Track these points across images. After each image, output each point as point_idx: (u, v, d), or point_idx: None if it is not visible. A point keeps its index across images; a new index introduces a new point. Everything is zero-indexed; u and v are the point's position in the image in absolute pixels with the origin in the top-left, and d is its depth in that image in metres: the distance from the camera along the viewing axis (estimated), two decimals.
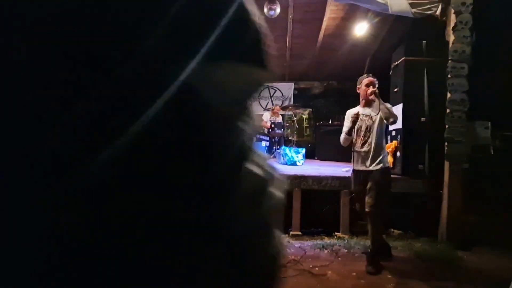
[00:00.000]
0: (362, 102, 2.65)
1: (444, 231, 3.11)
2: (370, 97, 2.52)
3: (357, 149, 2.62)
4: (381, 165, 2.51)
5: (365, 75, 2.67)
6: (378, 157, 2.52)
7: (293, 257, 2.67)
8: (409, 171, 3.39)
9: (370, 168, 2.52)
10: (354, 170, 2.67)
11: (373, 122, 2.57)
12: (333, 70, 7.18)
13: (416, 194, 3.35)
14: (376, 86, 2.57)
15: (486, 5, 3.55)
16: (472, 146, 7.88)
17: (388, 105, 2.59)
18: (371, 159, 2.52)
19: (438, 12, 3.36)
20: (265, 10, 4.66)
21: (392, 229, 3.31)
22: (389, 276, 2.35)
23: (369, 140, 2.56)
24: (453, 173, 3.14)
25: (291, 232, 3.30)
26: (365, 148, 2.57)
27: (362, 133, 2.59)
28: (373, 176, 2.50)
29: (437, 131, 3.20)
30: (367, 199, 2.46)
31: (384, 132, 2.65)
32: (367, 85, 2.56)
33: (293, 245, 2.99)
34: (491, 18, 3.86)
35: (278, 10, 4.69)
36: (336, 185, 3.40)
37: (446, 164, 3.16)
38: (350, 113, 2.69)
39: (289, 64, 7.06)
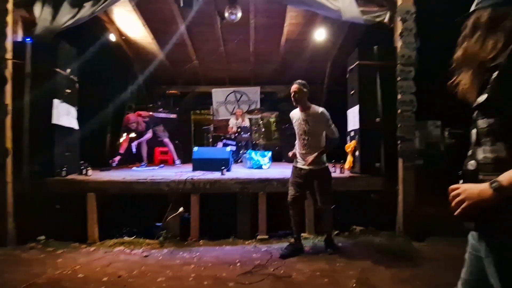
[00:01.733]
0: (299, 107, 2.85)
1: (401, 225, 3.30)
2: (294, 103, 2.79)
3: (298, 151, 2.83)
4: (320, 165, 2.76)
5: (295, 82, 2.81)
6: (318, 158, 2.72)
7: (259, 261, 2.65)
8: (367, 169, 3.55)
9: (312, 167, 2.74)
10: (295, 167, 2.87)
11: (309, 125, 2.75)
12: (297, 74, 7.31)
13: (375, 191, 3.52)
14: (305, 90, 2.77)
15: (429, 13, 3.87)
16: (426, 144, 8.51)
17: (325, 115, 2.75)
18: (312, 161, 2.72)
19: (386, 20, 3.60)
20: (226, 14, 4.66)
21: (354, 226, 3.43)
22: (351, 272, 2.43)
23: (307, 143, 2.76)
24: (407, 169, 3.34)
25: (258, 237, 3.29)
26: (304, 151, 2.78)
27: (302, 137, 2.81)
28: (315, 176, 2.75)
29: (391, 131, 3.40)
30: (319, 197, 2.79)
31: (321, 134, 2.81)
32: (292, 95, 2.78)
33: (259, 249, 2.99)
34: (433, 25, 4.23)
35: (239, 14, 4.71)
36: None
37: (400, 161, 3.37)
38: (291, 116, 2.94)
39: (254, 69, 7.13)
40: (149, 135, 5.41)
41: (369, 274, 2.40)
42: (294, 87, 2.76)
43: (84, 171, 3.66)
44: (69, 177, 3.53)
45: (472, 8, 0.96)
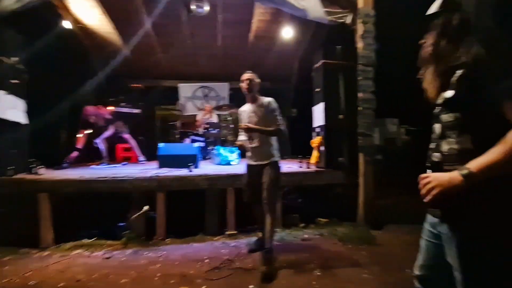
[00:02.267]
0: (248, 98, 2.70)
1: (361, 215, 3.52)
2: (245, 93, 2.64)
3: (249, 145, 2.69)
4: (269, 159, 2.58)
5: (246, 72, 2.69)
6: (266, 152, 2.60)
7: (227, 257, 2.66)
8: (331, 164, 3.72)
9: (260, 162, 2.60)
10: (248, 165, 2.73)
11: (258, 117, 2.60)
12: (266, 71, 7.36)
13: (338, 185, 3.71)
14: (257, 81, 2.65)
15: (387, 17, 4.13)
16: (384, 140, 9.11)
17: (273, 105, 2.61)
18: (259, 155, 2.61)
19: (349, 21, 3.78)
20: (193, 7, 4.54)
21: (319, 218, 3.59)
22: (316, 262, 2.54)
23: (256, 136, 2.62)
24: (367, 164, 3.56)
25: (226, 232, 3.29)
26: (254, 144, 2.63)
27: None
28: (264, 170, 2.57)
29: (353, 127, 3.59)
30: (262, 194, 2.50)
31: (271, 127, 2.61)
32: (243, 84, 2.63)
33: (228, 245, 2.99)
34: (391, 28, 4.53)
35: (206, 8, 4.62)
36: None
37: (361, 156, 3.58)
38: (240, 111, 2.80)
39: (222, 64, 7.05)
40: (111, 131, 5.10)
41: (332, 262, 2.53)
42: (248, 75, 2.62)
43: (34, 170, 3.35)
44: (17, 176, 3.21)
45: (435, 9, 1.03)
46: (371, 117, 3.56)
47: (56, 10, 4.68)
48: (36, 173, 3.33)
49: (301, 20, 4.92)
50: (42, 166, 3.42)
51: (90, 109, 4.95)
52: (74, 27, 5.21)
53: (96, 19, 5.13)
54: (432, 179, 0.90)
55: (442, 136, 0.98)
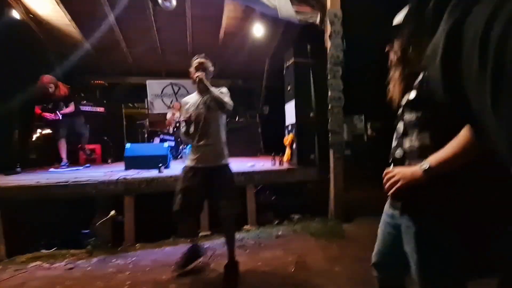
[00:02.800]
0: (197, 88, 2.26)
1: (332, 210, 3.64)
2: (197, 83, 2.16)
3: (195, 143, 2.20)
4: (221, 161, 2.18)
5: (197, 55, 2.28)
6: (217, 152, 2.19)
7: (201, 259, 2.60)
8: (303, 161, 3.80)
9: (208, 165, 2.15)
10: (190, 167, 2.19)
11: (210, 109, 2.18)
12: (237, 69, 7.38)
13: (311, 181, 3.80)
14: (211, 69, 2.28)
15: (353, 18, 4.29)
16: (352, 136, 9.50)
17: (223, 90, 2.27)
18: (208, 155, 2.16)
19: (318, 22, 3.86)
20: (160, 0, 4.34)
21: (292, 215, 3.65)
22: (290, 258, 2.58)
23: (206, 132, 2.17)
24: (337, 160, 3.69)
25: (200, 233, 3.22)
26: (203, 142, 2.17)
27: (200, 124, 2.17)
28: (214, 175, 2.14)
29: (323, 124, 3.69)
30: (222, 202, 2.11)
31: (223, 124, 2.29)
32: (196, 68, 2.19)
33: (202, 247, 2.93)
34: (358, 29, 4.72)
35: (174, 2, 4.43)
36: (242, 180, 3.50)
37: (331, 152, 3.69)
38: (184, 102, 2.31)
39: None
40: (71, 107, 4.57)
41: (306, 258, 2.59)
42: (201, 60, 2.21)
43: None
44: None
45: (399, 21, 1.10)
46: (340, 115, 3.68)
47: None
48: None
49: (272, 19, 4.94)
50: None
51: (48, 77, 4.40)
52: (25, 18, 4.73)
53: (50, 10, 4.70)
54: (396, 173, 0.98)
55: (404, 134, 1.06)
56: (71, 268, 2.51)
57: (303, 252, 2.72)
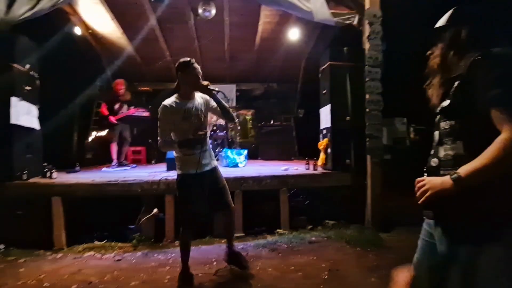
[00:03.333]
0: (188, 92, 2.21)
1: (369, 217, 3.49)
2: (203, 90, 2.17)
3: (186, 152, 2.17)
4: (213, 163, 2.31)
5: (188, 58, 2.24)
6: (211, 153, 2.32)
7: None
8: (338, 166, 3.71)
9: (212, 166, 2.27)
10: (191, 175, 2.15)
11: (204, 113, 2.25)
12: (272, 72, 7.45)
13: (346, 186, 3.69)
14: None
15: (394, 17, 4.10)
16: (393, 139, 9.00)
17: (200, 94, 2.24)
18: (208, 157, 2.26)
19: (355, 22, 3.75)
20: (200, 10, 4.59)
21: (326, 220, 3.57)
22: (323, 265, 2.54)
23: (205, 137, 2.20)
24: (374, 165, 3.54)
25: (234, 235, 3.31)
26: (202, 148, 2.17)
27: (197, 130, 2.12)
28: (216, 173, 2.28)
29: (360, 129, 3.57)
30: (223, 198, 2.28)
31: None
32: (199, 74, 2.19)
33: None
34: (398, 28, 4.49)
35: (213, 11, 4.67)
36: (275, 184, 3.53)
37: (368, 157, 3.55)
38: (170, 107, 2.11)
39: (229, 66, 7.09)
40: (133, 111, 5.03)
41: (340, 266, 2.53)
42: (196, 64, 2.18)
43: (48, 174, 3.45)
44: (31, 180, 3.31)
45: (444, 22, 1.09)
46: (379, 119, 3.53)
47: (67, 17, 4.81)
48: (50, 177, 3.43)
49: (308, 22, 4.92)
50: (55, 169, 3.51)
51: (121, 80, 4.93)
52: (84, 33, 5.33)
53: (105, 25, 5.24)
54: (426, 182, 0.98)
55: (440, 143, 1.05)
56: (119, 260, 2.76)
57: (337, 259, 2.66)
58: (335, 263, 2.57)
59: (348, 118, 3.70)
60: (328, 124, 3.82)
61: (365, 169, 3.59)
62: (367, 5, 3.56)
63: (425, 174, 1.06)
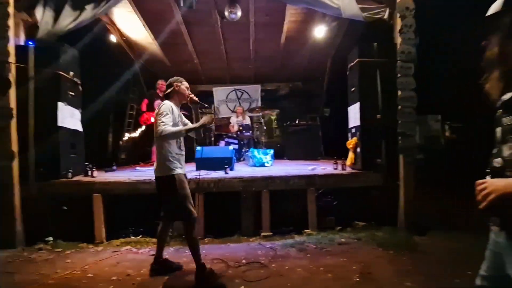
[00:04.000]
0: (180, 101, 2.53)
1: (402, 219, 3.35)
2: (192, 102, 2.56)
3: (177, 151, 2.38)
4: (165, 172, 2.34)
5: (176, 77, 2.53)
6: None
7: (263, 258, 2.71)
8: (368, 166, 3.59)
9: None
10: (184, 174, 2.39)
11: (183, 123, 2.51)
12: (297, 71, 7.39)
13: (376, 187, 3.56)
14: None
15: (428, 10, 3.88)
16: (426, 138, 8.54)
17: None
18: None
19: (386, 16, 3.61)
20: (226, 13, 4.68)
21: (356, 222, 3.48)
22: (354, 267, 2.48)
23: (182, 142, 2.47)
24: (407, 165, 3.38)
25: (262, 233, 3.35)
26: (183, 151, 2.46)
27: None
28: (160, 184, 2.41)
29: (392, 127, 3.43)
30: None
31: None
32: (187, 89, 2.53)
33: (264, 246, 3.04)
34: (432, 21, 4.25)
35: (239, 13, 4.73)
36: (302, 183, 3.51)
37: (401, 157, 3.40)
38: (171, 108, 2.34)
39: (254, 67, 7.15)
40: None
41: (371, 268, 2.45)
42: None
43: (89, 172, 3.71)
44: (75, 178, 3.58)
45: (498, 8, 0.98)
46: (412, 116, 3.37)
47: (104, 26, 5.13)
48: (91, 175, 3.69)
49: (334, 18, 4.82)
50: (95, 168, 3.76)
51: (164, 81, 5.19)
52: (119, 40, 5.66)
53: (138, 32, 5.54)
54: (488, 184, 0.86)
55: (503, 141, 0.93)
56: (153, 254, 2.89)
57: (368, 262, 2.59)
58: (366, 266, 2.50)
59: (378, 116, 3.58)
60: (357, 123, 3.71)
61: (397, 169, 3.44)
62: None
63: (488, 176, 0.96)
